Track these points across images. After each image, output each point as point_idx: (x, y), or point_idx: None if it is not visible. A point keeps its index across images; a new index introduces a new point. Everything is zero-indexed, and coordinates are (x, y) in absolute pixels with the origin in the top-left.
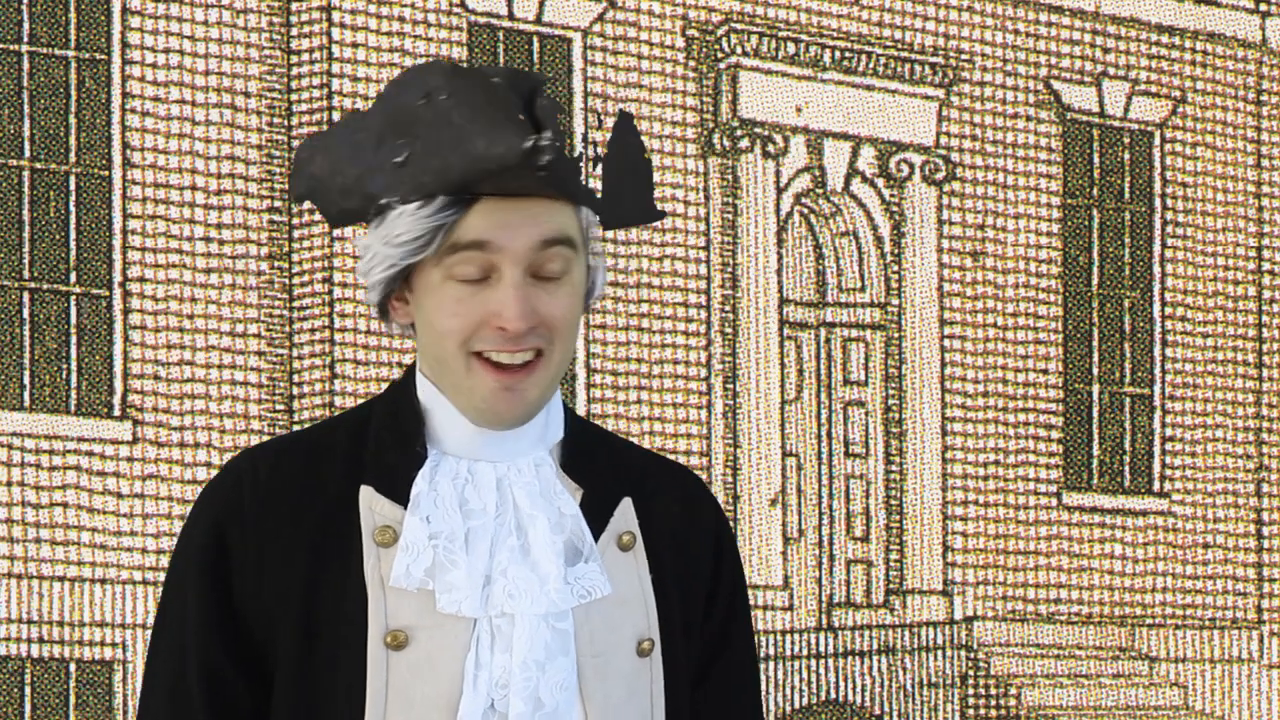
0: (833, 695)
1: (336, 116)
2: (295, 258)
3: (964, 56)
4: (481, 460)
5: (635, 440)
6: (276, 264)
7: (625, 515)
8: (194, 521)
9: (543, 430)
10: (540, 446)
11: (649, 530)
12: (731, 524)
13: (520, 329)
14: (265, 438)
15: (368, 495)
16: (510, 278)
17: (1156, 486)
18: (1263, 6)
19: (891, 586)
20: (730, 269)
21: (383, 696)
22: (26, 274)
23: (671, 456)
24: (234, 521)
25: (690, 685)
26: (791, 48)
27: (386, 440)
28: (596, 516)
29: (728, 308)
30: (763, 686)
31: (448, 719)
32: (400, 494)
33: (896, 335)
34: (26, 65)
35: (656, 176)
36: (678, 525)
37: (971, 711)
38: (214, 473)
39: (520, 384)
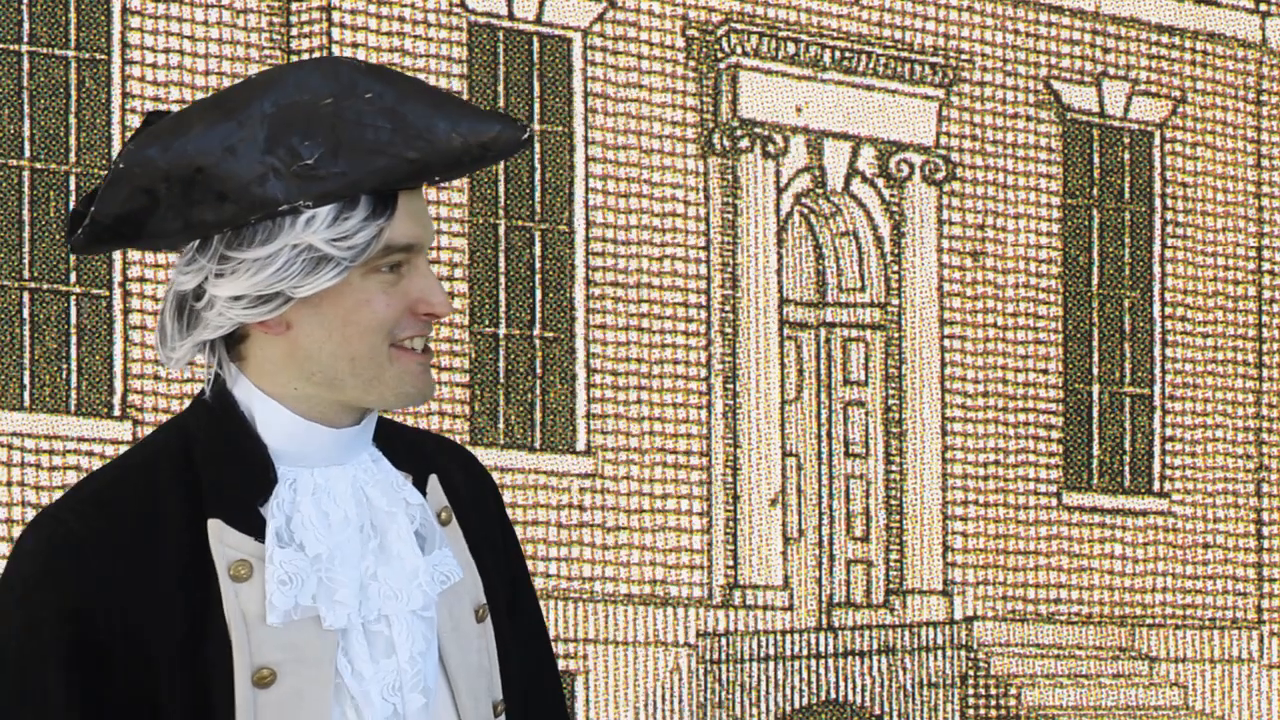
0: (833, 695)
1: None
2: None
3: (964, 56)
4: (332, 465)
5: (636, 440)
6: None
7: (436, 492)
8: (29, 605)
9: (370, 423)
10: (368, 437)
11: (453, 503)
12: (731, 524)
13: (449, 310)
14: None
15: (217, 528)
16: (424, 265)
17: (1156, 486)
18: (1263, 6)
19: (891, 586)
20: (730, 269)
21: None
22: (26, 274)
23: (671, 456)
24: (89, 592)
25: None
26: (791, 48)
27: (226, 470)
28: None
29: (728, 308)
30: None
31: None
32: (249, 524)
33: (896, 335)
34: (26, 65)
35: (657, 176)
36: (468, 494)
37: (971, 711)
38: None
39: (428, 363)
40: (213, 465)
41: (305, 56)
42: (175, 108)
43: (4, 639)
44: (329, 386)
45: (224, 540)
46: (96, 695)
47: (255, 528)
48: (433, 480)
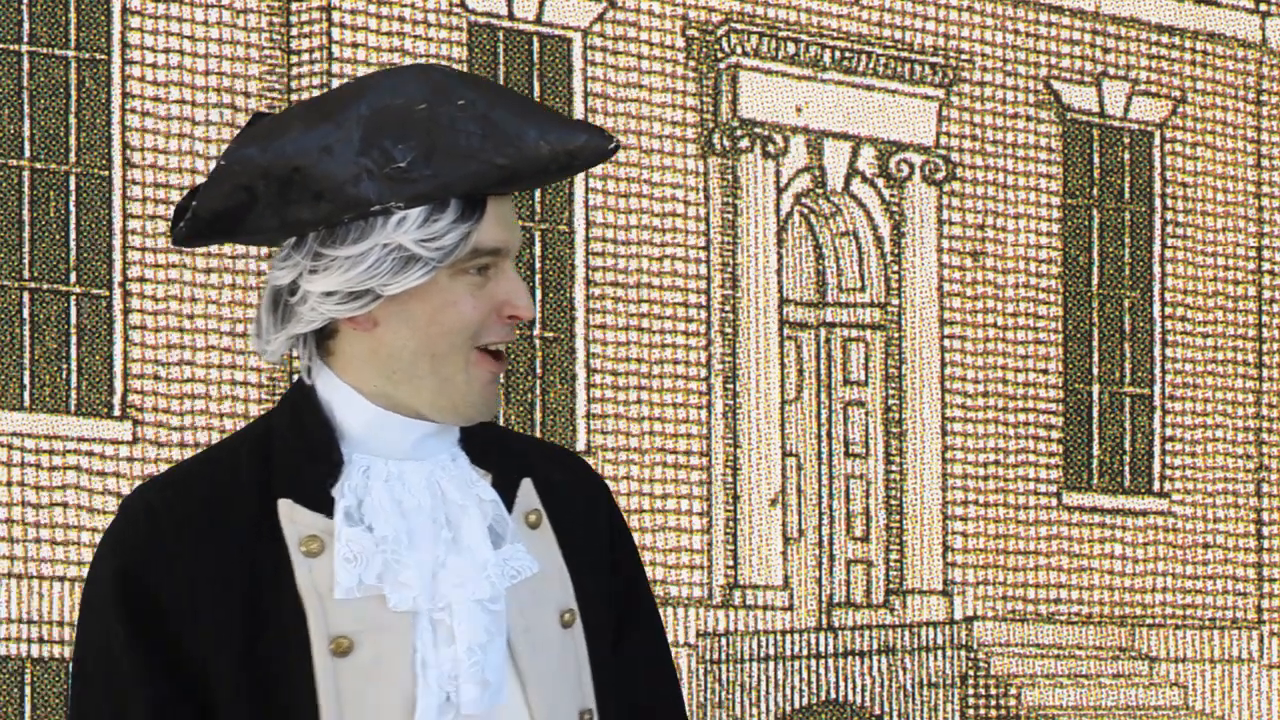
0: (833, 695)
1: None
2: None
3: (964, 56)
4: (409, 460)
5: (636, 440)
6: None
7: (528, 495)
8: (107, 570)
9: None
10: (452, 438)
11: (548, 508)
12: (731, 524)
13: (533, 314)
14: None
15: (286, 507)
16: (510, 270)
17: (1156, 486)
18: (1263, 6)
19: (891, 586)
20: (730, 269)
21: (335, 704)
22: (26, 274)
23: (671, 456)
24: (155, 563)
25: (610, 652)
26: (791, 48)
27: (296, 453)
28: (502, 499)
29: (728, 308)
30: (670, 647)
31: (404, 718)
32: (320, 503)
33: (896, 335)
34: (26, 65)
35: (657, 176)
36: (572, 501)
37: (971, 711)
38: None
39: (498, 376)
40: (286, 449)
41: (305, 56)
42: (175, 108)
43: (86, 595)
44: (407, 385)
45: (294, 518)
46: (159, 652)
47: (326, 507)
48: (526, 484)
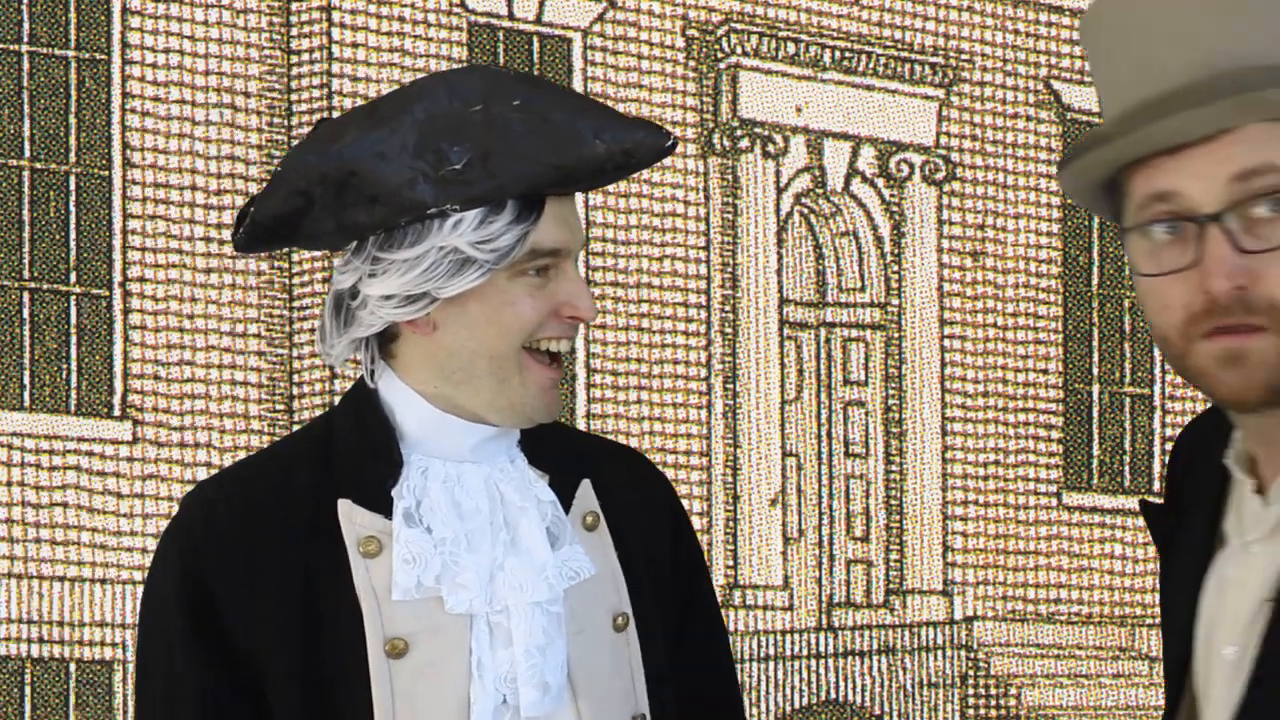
0: (833, 695)
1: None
2: (295, 257)
3: (964, 56)
4: (468, 462)
5: (635, 441)
6: (276, 264)
7: (586, 497)
8: (167, 566)
9: (510, 430)
10: (512, 440)
11: (608, 510)
12: (731, 524)
13: (594, 314)
14: (266, 438)
15: (346, 508)
16: (571, 270)
17: (1156, 486)
18: None
19: (891, 586)
20: (730, 269)
21: (389, 705)
22: (26, 274)
23: (671, 456)
24: (214, 560)
25: (668, 655)
26: (791, 48)
27: (358, 453)
28: (560, 500)
29: (728, 308)
30: (731, 647)
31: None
32: (379, 504)
33: (896, 335)
34: (26, 65)
35: (657, 176)
36: (634, 503)
37: (971, 711)
38: (215, 473)
39: (558, 381)
40: (346, 449)
41: (305, 56)
42: (175, 108)
43: (147, 591)
44: (466, 386)
45: (353, 519)
46: (217, 648)
47: (385, 508)
48: (585, 485)
